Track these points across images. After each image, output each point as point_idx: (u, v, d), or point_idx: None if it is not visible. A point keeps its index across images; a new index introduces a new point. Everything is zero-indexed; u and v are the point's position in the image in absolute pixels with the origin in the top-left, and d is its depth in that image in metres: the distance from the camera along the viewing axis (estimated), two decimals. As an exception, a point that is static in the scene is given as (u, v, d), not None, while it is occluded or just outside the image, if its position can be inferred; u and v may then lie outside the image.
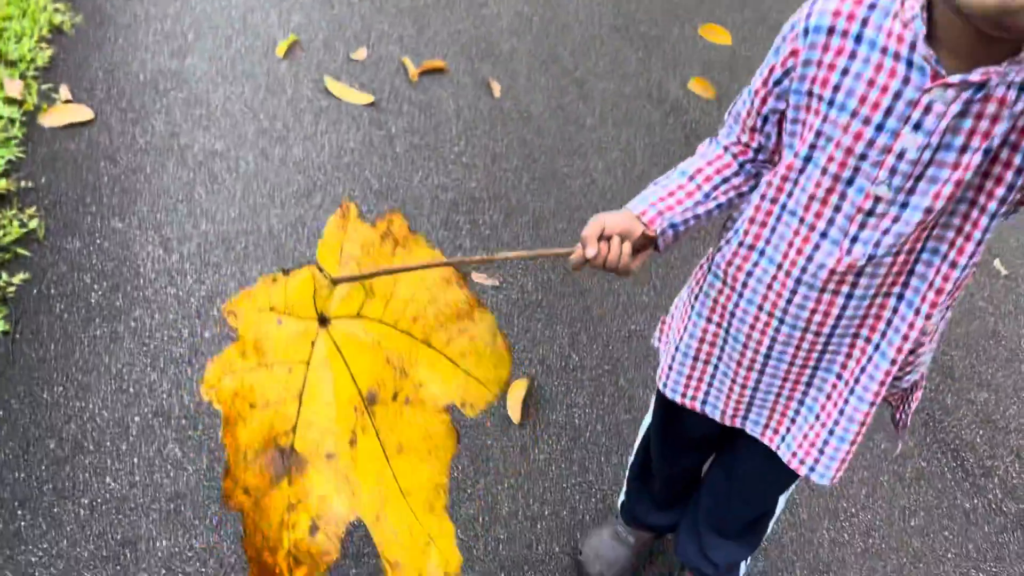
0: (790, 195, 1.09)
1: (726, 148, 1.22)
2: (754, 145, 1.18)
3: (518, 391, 2.14)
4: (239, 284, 2.25)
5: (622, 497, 1.85)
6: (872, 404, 1.18)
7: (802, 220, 1.08)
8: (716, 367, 1.30)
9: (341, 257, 1.19)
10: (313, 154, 2.72)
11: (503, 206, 2.69)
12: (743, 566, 1.72)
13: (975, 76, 0.89)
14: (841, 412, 1.22)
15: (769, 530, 1.65)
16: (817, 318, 1.13)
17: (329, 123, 2.86)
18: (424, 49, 3.31)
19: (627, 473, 1.77)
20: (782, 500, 1.56)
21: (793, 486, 1.52)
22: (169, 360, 2.05)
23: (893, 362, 1.13)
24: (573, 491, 1.98)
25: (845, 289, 1.09)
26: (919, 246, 1.05)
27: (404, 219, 1.20)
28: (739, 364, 1.25)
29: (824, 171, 1.03)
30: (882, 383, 1.16)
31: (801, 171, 1.07)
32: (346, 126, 2.86)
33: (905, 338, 1.11)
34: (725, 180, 1.21)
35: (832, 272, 1.07)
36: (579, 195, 2.80)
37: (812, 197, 1.06)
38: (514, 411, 2.10)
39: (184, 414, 1.94)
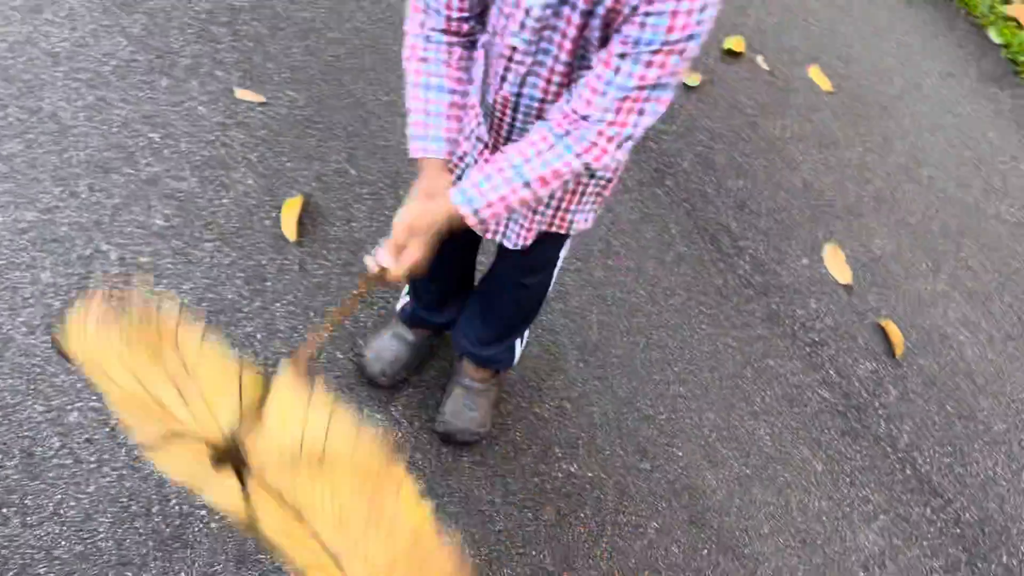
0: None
1: (447, 38, 1.28)
2: (466, 10, 1.25)
3: (292, 209, 2.09)
4: (-38, 112, 2.01)
5: (401, 302, 1.90)
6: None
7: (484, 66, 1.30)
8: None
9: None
10: (38, -39, 2.39)
11: (267, 15, 2.51)
12: (517, 349, 1.84)
13: None
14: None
15: (539, 312, 1.76)
16: (499, 137, 1.33)
17: (55, -75, 2.50)
18: None
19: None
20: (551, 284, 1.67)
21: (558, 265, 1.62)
22: None
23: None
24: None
25: (508, 117, 1.29)
26: (562, 89, 1.21)
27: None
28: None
29: (489, 27, 1.23)
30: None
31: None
32: (76, -72, 2.52)
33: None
34: (467, 69, 1.32)
35: (495, 103, 1.28)
36: (350, 2, 2.65)
37: (484, 45, 1.29)
38: (288, 229, 2.06)
39: (-89, 257, 1.77)
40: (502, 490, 1.85)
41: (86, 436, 1.66)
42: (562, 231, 1.48)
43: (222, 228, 2.02)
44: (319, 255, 2.05)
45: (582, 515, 1.86)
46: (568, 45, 1.15)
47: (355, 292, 1.24)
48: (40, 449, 1.63)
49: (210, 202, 2.06)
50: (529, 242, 1.47)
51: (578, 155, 1.16)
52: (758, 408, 2.13)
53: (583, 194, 1.42)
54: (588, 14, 1.11)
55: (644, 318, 2.20)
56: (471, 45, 1.32)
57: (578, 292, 2.19)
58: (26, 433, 1.64)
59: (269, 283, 1.97)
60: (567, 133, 1.16)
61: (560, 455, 1.92)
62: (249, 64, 2.37)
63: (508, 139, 1.32)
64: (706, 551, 1.88)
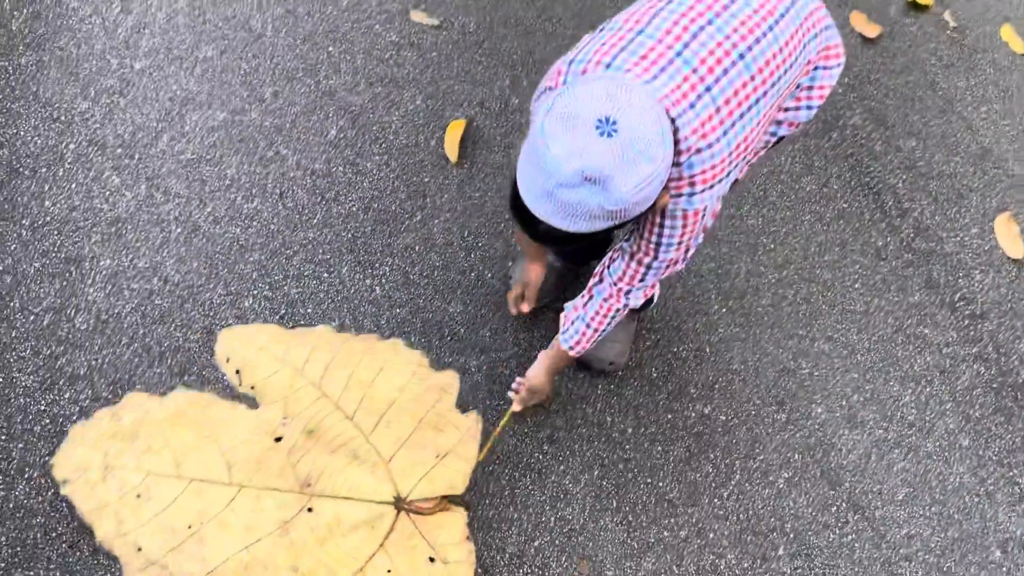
0: None
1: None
2: None
3: (455, 131, 2.15)
4: (167, 16, 2.17)
5: None
6: None
7: None
8: None
9: None
10: None
11: (446, -59, 2.56)
12: (658, 288, 1.85)
13: None
14: None
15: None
16: None
17: None
18: None
19: None
20: None
21: None
22: (100, 90, 2.02)
23: None
24: (507, 226, 2.06)
25: None
26: None
27: None
28: None
29: None
30: None
31: None
32: None
33: None
34: None
35: None
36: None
37: None
38: (451, 150, 2.13)
39: (119, 144, 1.95)
40: (634, 422, 1.88)
41: (259, 320, 1.81)
42: None
43: (390, 143, 2.11)
44: (477, 178, 2.12)
45: (712, 456, 1.87)
46: None
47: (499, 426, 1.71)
48: (218, 328, 1.79)
49: (380, 118, 2.15)
50: None
51: (604, 300, 1.50)
52: (906, 375, 2.06)
53: None
54: None
55: (795, 271, 2.16)
56: None
57: (729, 239, 2.17)
58: (208, 312, 1.80)
59: (429, 200, 2.05)
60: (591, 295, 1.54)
61: (695, 396, 1.94)
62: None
63: None
64: (835, 507, 1.86)
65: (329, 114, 2.12)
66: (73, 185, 1.87)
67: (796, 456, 1.90)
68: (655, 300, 1.88)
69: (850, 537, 1.83)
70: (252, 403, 1.68)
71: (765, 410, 1.95)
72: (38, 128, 1.93)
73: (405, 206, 2.04)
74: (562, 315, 1.61)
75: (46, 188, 1.86)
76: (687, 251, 1.42)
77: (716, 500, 1.82)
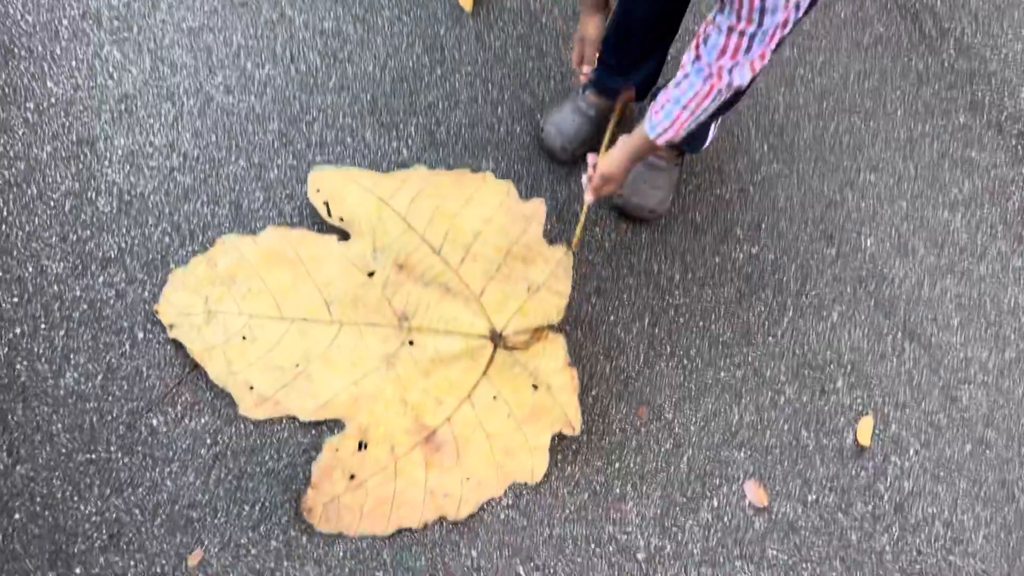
0: None
1: None
2: None
3: (468, -21, 2.01)
4: None
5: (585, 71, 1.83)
6: None
7: None
8: None
9: None
10: None
11: None
12: (712, 130, 1.75)
13: None
14: None
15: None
16: None
17: None
18: None
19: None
20: None
21: None
22: (86, -40, 1.87)
23: None
24: (532, 75, 1.95)
25: None
26: None
27: None
28: None
29: None
30: None
31: None
32: None
33: None
34: None
35: None
36: None
37: None
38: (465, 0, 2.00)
39: (115, 15, 1.82)
40: (681, 268, 1.83)
41: (286, 192, 1.73)
42: None
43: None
44: (495, 26, 1.99)
45: (763, 295, 1.83)
46: None
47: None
48: (246, 201, 1.71)
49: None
50: None
51: (705, 80, 1.30)
52: (955, 200, 2.00)
53: None
54: None
55: (835, 101, 2.06)
56: None
57: (765, 72, 2.05)
58: (233, 187, 1.72)
59: (447, 53, 1.94)
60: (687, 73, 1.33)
61: (742, 237, 1.88)
62: None
63: None
64: (891, 337, 1.83)
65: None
66: (73, 63, 1.75)
67: (848, 289, 1.86)
68: (710, 141, 1.78)
69: (908, 365, 1.81)
70: (343, 235, 1.66)
71: (814, 245, 1.89)
72: (27, 4, 1.79)
73: (423, 61, 1.92)
74: (652, 102, 1.43)
75: (46, 68, 1.74)
76: (797, 7, 1.21)
77: (771, 338, 1.79)
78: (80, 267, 1.60)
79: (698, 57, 1.29)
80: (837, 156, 2.00)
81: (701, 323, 1.78)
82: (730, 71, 1.27)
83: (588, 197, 1.59)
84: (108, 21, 1.81)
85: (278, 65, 1.85)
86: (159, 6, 1.85)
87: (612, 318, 1.76)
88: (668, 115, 1.37)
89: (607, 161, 1.53)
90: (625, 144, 1.49)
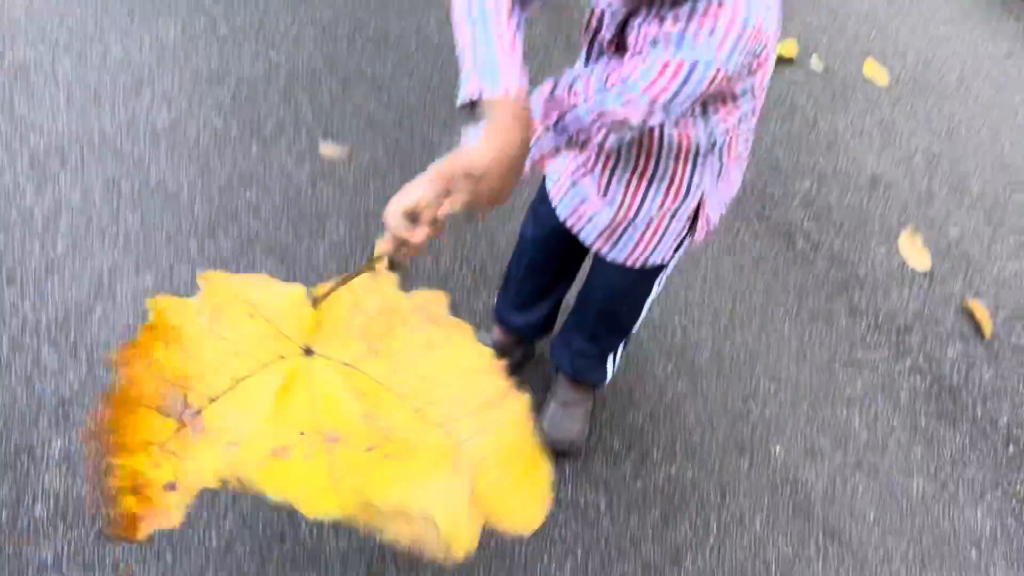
0: None
1: None
2: None
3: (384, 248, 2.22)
4: (82, 193, 2.22)
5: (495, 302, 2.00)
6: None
7: None
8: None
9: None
10: (134, 50, 2.63)
11: (340, 75, 2.70)
12: (610, 366, 1.91)
13: None
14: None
15: (630, 334, 1.83)
16: None
17: (143, 17, 2.75)
18: (232, -75, 3.17)
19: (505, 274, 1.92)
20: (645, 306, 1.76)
21: (652, 293, 1.71)
22: (27, 276, 2.04)
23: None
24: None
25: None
26: None
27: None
28: None
29: None
30: None
31: None
32: (163, 18, 2.76)
33: None
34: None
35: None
36: (416, 54, 2.82)
37: None
38: (381, 271, 2.20)
39: (53, 322, 1.96)
40: (607, 496, 1.92)
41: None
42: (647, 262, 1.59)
43: (319, 273, 2.17)
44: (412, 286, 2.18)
45: (687, 514, 1.91)
46: None
47: (349, 274, 1.17)
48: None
49: (307, 251, 2.21)
50: (637, 262, 1.59)
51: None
52: (851, 398, 2.16)
53: (665, 232, 1.53)
54: None
55: (727, 320, 2.26)
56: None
57: (659, 302, 2.26)
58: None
59: (368, 320, 2.10)
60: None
61: (659, 458, 1.99)
62: (329, 121, 2.54)
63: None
64: (813, 541, 1.91)
65: (256, 257, 2.17)
66: (13, 378, 1.87)
67: (766, 498, 1.96)
68: (608, 378, 1.94)
69: (834, 565, 1.88)
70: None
71: (727, 458, 2.01)
72: (-31, 325, 1.93)
73: (346, 331, 2.08)
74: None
75: (-15, 382, 1.85)
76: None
77: (699, 558, 1.86)
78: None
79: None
80: (736, 370, 2.17)
81: (632, 550, 1.85)
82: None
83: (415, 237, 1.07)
84: (46, 330, 1.95)
85: (209, 351, 1.98)
86: (94, 310, 2.00)
87: (545, 556, 1.81)
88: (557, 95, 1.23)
89: (473, 155, 1.04)
90: (496, 131, 1.05)
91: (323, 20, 2.87)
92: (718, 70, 1.10)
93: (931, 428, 2.13)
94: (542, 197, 1.69)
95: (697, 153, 1.38)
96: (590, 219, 1.56)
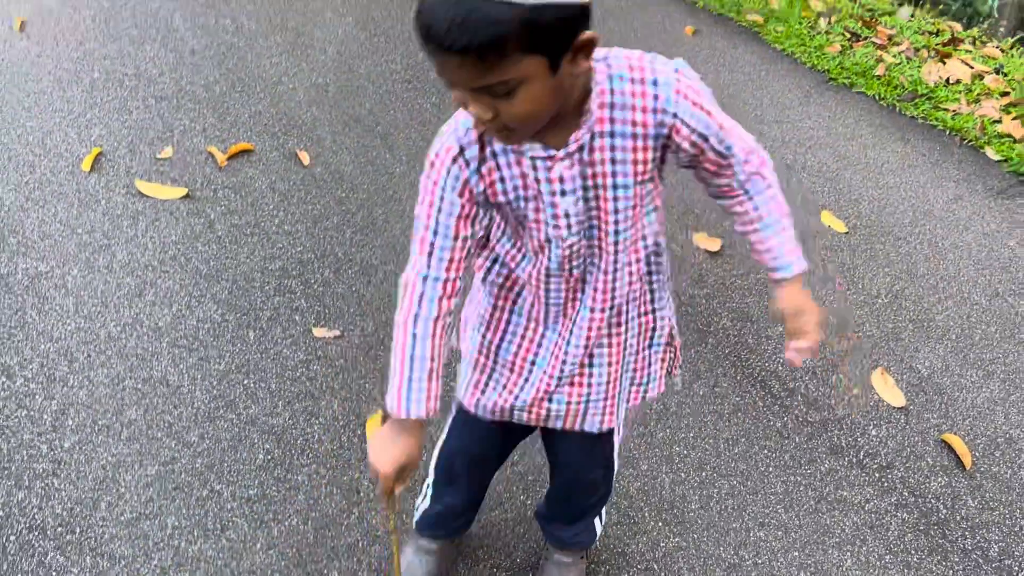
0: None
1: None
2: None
3: (375, 424, 2.33)
4: (88, 392, 2.34)
5: (419, 511, 1.94)
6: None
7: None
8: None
9: None
10: (138, 254, 2.83)
11: (331, 262, 2.89)
12: (598, 527, 1.96)
13: (572, 146, 1.21)
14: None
15: (610, 492, 1.88)
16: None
17: (148, 223, 2.98)
18: (229, 135, 3.48)
19: (430, 484, 1.89)
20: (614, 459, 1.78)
21: (617, 440, 1.75)
22: (34, 477, 2.12)
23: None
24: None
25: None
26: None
27: None
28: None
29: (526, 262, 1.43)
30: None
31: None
32: (165, 222, 2.99)
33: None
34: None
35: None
36: (401, 238, 3.03)
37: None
38: (375, 443, 2.28)
39: (59, 522, 2.03)
40: (608, 658, 1.92)
41: (221, 661, 1.81)
42: (637, 402, 1.60)
43: (316, 452, 2.26)
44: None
45: (689, 672, 1.91)
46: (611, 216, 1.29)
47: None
48: None
49: (303, 431, 2.31)
50: (612, 424, 1.56)
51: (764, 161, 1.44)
52: (841, 540, 2.19)
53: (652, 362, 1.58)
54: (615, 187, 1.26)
55: (712, 470, 2.33)
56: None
57: (645, 455, 2.34)
58: None
59: (363, 493, 2.17)
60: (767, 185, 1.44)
61: (657, 615, 2.00)
62: (321, 305, 2.71)
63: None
64: None
65: (254, 441, 2.27)
66: (18, 575, 1.92)
67: (766, 648, 1.96)
68: (597, 537, 1.98)
69: None
70: None
71: (725, 611, 2.02)
72: (-23, 529, 2.00)
73: (342, 507, 2.14)
74: (761, 252, 1.48)
75: (-9, 585, 1.90)
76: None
77: None
78: None
79: (747, 165, 1.36)
80: (725, 519, 2.21)
81: None
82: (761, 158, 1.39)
83: (800, 357, 1.48)
84: (52, 528, 2.01)
85: (209, 538, 2.04)
86: (99, 505, 2.07)
87: None
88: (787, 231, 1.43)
89: (795, 304, 1.46)
90: (791, 285, 1.46)
91: (313, 214, 3.10)
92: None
93: (924, 564, 2.15)
94: (464, 419, 1.65)
95: (650, 263, 1.44)
96: (559, 400, 1.50)
